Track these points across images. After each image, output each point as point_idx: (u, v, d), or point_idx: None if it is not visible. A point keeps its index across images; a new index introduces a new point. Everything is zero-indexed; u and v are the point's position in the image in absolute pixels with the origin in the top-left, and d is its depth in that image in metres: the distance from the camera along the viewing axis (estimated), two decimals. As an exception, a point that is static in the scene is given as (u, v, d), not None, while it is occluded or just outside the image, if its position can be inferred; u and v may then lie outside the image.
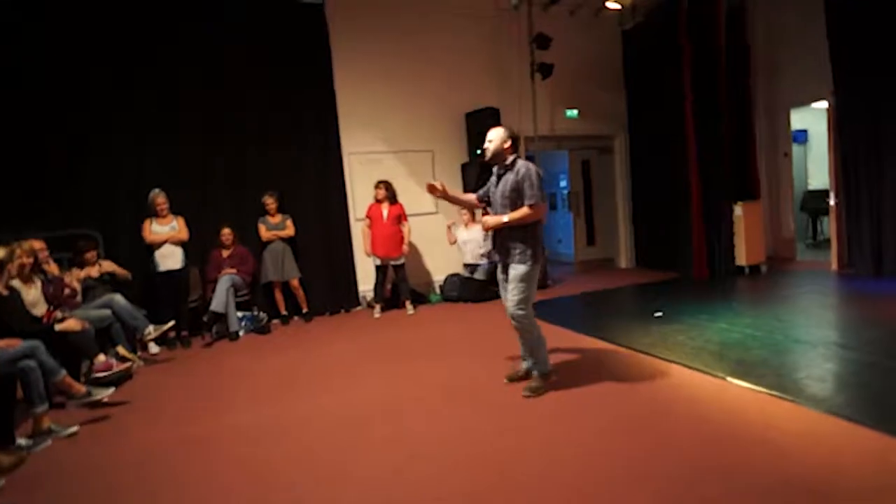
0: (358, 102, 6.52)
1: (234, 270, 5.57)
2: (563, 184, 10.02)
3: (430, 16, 6.77)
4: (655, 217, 7.59)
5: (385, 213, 5.97)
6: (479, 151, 6.67)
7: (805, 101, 7.23)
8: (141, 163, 5.54)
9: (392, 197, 6.04)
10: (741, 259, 6.55)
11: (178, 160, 5.66)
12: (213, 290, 5.41)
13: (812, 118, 8.52)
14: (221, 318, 5.39)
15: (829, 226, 6.59)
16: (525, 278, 3.09)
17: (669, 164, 7.06)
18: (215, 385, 3.97)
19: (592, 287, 6.65)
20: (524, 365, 3.45)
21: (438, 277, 6.90)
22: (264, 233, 5.83)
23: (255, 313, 5.75)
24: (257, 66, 5.99)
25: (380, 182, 6.03)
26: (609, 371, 3.49)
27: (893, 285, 5.26)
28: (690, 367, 3.37)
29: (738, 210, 6.54)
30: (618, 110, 8.09)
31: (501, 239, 3.19)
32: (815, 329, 4.08)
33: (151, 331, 4.65)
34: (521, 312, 3.11)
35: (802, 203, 8.51)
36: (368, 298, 6.39)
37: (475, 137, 6.75)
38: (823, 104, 7.46)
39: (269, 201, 5.84)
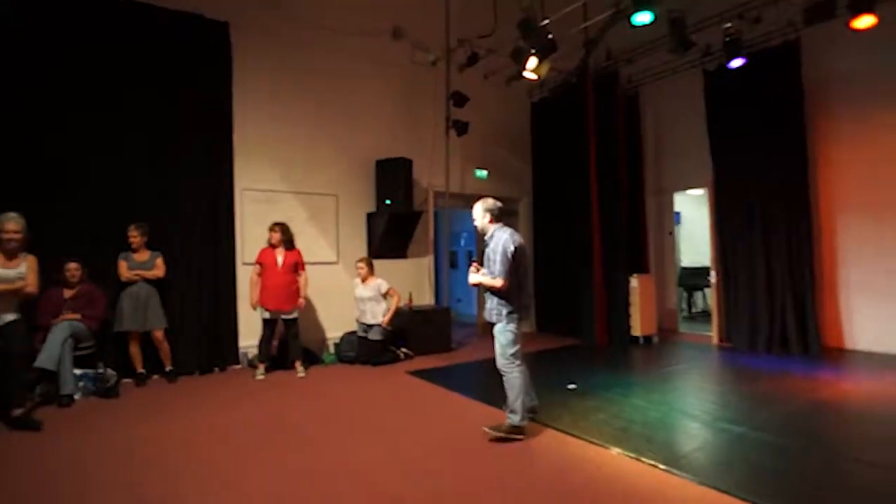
0: (258, 134, 5.87)
1: (76, 316, 4.48)
2: (463, 242, 10.02)
3: (345, 57, 6.45)
4: (556, 283, 7.67)
5: (280, 259, 5.26)
6: (388, 202, 6.34)
7: (687, 186, 7.95)
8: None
9: (289, 242, 5.36)
10: (636, 329, 6.75)
11: (22, 174, 4.56)
12: (44, 340, 4.24)
13: (686, 202, 9.45)
14: (51, 376, 4.21)
15: (711, 301, 7.09)
16: (499, 334, 3.47)
17: (572, 234, 7.26)
18: (18, 475, 2.89)
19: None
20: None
21: (334, 335, 6.21)
22: (125, 271, 4.82)
23: (101, 371, 4.59)
24: (145, 78, 5.17)
25: (276, 224, 5.34)
26: (537, 455, 3.13)
27: (767, 361, 5.66)
28: (622, 453, 3.11)
29: (634, 282, 6.81)
30: (524, 175, 8.29)
31: (483, 298, 3.73)
32: (725, 409, 4.01)
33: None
34: (502, 362, 3.47)
35: (679, 279, 9.23)
36: (251, 356, 5.51)
37: (385, 186, 6.39)
38: (698, 191, 8.34)
39: (135, 234, 4.87)
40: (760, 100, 6.24)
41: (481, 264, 3.56)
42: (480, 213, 3.61)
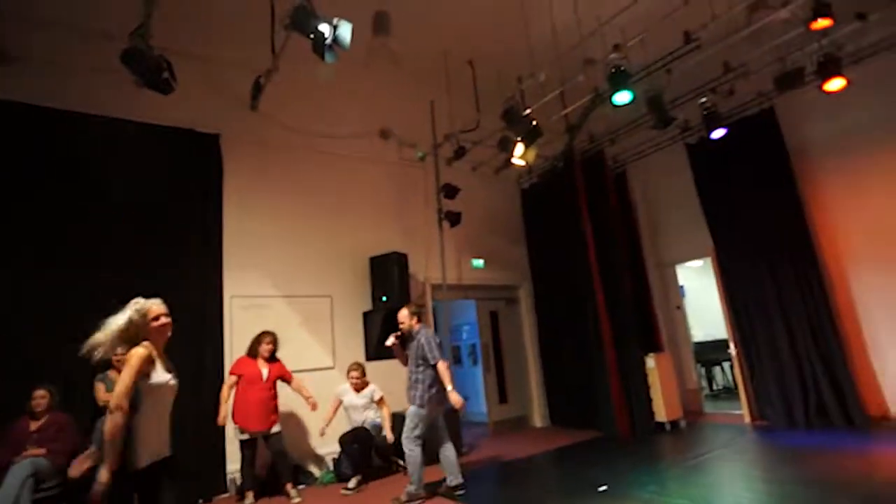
0: (248, 239, 5.73)
1: (41, 451, 4.00)
2: (465, 336, 9.58)
3: (334, 159, 6.51)
4: (567, 371, 7.21)
5: (265, 372, 4.76)
6: (384, 298, 6.08)
7: (688, 258, 7.78)
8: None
9: (274, 354, 4.90)
10: (660, 414, 6.22)
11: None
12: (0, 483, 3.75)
13: (687, 274, 9.22)
14: (6, 526, 3.66)
15: (735, 376, 6.62)
16: (412, 416, 4.21)
17: (577, 317, 6.94)
18: None
19: (512, 453, 5.80)
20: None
21: (331, 449, 5.62)
22: (102, 394, 4.39)
23: (66, 515, 4.03)
24: (131, 192, 5.09)
25: (266, 333, 4.89)
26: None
27: (811, 438, 5.13)
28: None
29: (651, 362, 6.40)
30: (521, 261, 8.14)
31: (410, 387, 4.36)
32: (787, 501, 3.51)
33: None
34: (407, 442, 4.20)
35: (695, 355, 8.76)
36: (239, 482, 4.92)
37: (380, 283, 6.17)
38: (698, 262, 8.17)
39: (119, 352, 4.51)
40: (747, 166, 6.29)
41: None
42: (407, 316, 4.39)
